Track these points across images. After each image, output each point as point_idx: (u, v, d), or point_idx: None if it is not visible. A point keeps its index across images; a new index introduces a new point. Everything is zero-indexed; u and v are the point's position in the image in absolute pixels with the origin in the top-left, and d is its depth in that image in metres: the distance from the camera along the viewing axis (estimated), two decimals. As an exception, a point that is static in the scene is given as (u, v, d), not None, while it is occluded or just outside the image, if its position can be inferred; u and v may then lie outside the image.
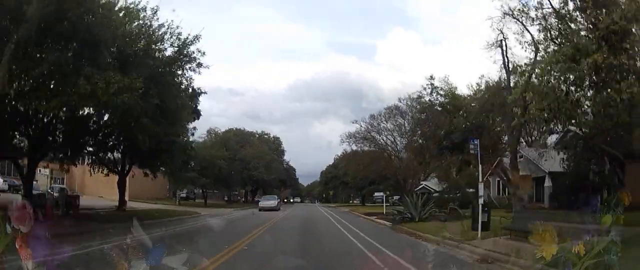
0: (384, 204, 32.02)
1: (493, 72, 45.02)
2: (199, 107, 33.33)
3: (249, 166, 56.32)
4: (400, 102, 38.87)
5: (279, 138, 79.52)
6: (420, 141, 38.09)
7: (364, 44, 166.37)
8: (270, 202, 41.24)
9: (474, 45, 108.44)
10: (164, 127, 20.69)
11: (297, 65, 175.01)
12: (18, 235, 2.92)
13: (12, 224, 2.92)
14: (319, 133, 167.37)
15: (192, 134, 34.02)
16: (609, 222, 3.80)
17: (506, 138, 34.86)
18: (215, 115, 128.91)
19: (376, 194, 33.99)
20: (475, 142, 15.74)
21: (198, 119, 33.23)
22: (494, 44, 21.19)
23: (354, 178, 41.61)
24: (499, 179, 41.26)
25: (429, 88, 41.39)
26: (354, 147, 39.62)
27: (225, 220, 26.82)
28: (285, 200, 75.79)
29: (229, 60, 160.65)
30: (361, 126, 38.54)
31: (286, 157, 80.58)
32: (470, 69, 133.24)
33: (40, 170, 47.21)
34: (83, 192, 44.67)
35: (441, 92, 42.55)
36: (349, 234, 17.81)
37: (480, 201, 14.54)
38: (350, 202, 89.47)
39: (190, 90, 31.29)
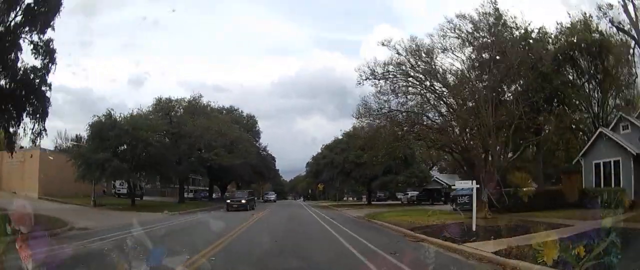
0: (474, 208, 13.75)
1: None
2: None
3: (199, 145, 37.09)
4: (461, 19, 20.95)
5: (253, 117, 60.56)
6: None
7: (349, 41, 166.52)
8: None
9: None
10: None
11: (282, 61, 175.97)
12: (18, 236, 3.37)
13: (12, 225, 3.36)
14: (303, 129, 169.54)
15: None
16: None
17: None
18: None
19: (458, 183, 14.79)
20: None
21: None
22: None
23: (387, 153, 22.00)
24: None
25: (490, 17, 24.03)
26: (382, 99, 20.87)
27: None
28: (232, 201, 35.26)
29: (213, 56, 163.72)
30: (399, 52, 20.65)
31: (263, 141, 61.81)
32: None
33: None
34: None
35: (512, 26, 25.27)
36: None
37: None
38: (346, 199, 71.64)
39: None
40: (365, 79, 20.62)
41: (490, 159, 20.64)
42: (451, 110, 20.53)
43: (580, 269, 4.45)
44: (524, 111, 21.65)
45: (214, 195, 66.43)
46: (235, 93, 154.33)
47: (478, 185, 15.10)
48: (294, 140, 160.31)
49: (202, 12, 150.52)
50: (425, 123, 21.38)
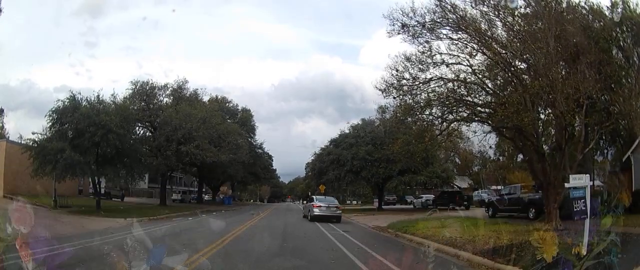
0: (588, 220, 8.73)
1: None
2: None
3: (177, 135, 30.55)
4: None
5: (249, 110, 54.68)
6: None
7: (348, 45, 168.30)
8: None
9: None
10: None
11: (282, 65, 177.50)
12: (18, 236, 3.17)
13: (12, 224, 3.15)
14: (302, 132, 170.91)
15: None
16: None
17: None
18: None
19: (572, 179, 9.30)
20: None
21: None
22: None
23: (431, 140, 15.99)
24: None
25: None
26: (417, 67, 14.71)
27: None
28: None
29: (214, 58, 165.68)
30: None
31: (259, 138, 55.98)
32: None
33: None
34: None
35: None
36: None
37: None
38: (350, 202, 65.99)
39: None
40: (400, 29, 14.91)
41: (562, 149, 15.13)
42: (517, 80, 14.93)
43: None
44: (598, 87, 16.26)
45: (206, 196, 60.57)
46: (236, 95, 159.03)
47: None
48: (293, 142, 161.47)
49: (206, 12, 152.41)
50: (475, 100, 15.88)
